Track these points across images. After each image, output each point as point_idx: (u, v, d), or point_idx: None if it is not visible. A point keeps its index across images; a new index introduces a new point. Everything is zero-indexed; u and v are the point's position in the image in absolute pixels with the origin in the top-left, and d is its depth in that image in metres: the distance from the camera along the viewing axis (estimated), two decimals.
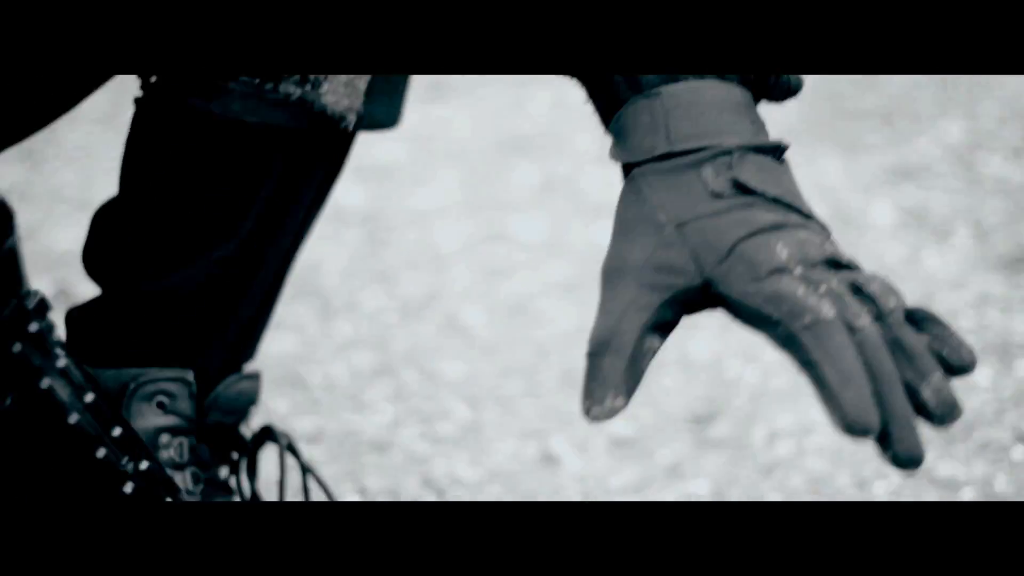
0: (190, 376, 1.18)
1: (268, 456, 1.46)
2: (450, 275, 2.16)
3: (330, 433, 1.75)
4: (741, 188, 0.89)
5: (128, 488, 0.78)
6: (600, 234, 2.11)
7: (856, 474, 1.62)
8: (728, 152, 0.90)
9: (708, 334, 2.06)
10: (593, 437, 1.74)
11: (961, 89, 2.69)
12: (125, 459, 0.78)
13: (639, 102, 0.92)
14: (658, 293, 0.89)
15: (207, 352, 1.20)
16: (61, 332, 0.78)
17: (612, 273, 0.91)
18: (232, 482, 1.23)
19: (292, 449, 1.25)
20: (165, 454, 1.17)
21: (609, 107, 0.95)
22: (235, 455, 1.23)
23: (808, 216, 0.90)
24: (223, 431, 1.22)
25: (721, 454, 1.70)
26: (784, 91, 0.95)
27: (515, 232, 2.27)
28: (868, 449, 1.69)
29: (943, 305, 2.00)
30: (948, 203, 2.27)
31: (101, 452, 0.77)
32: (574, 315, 2.00)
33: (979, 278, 2.06)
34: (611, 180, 0.97)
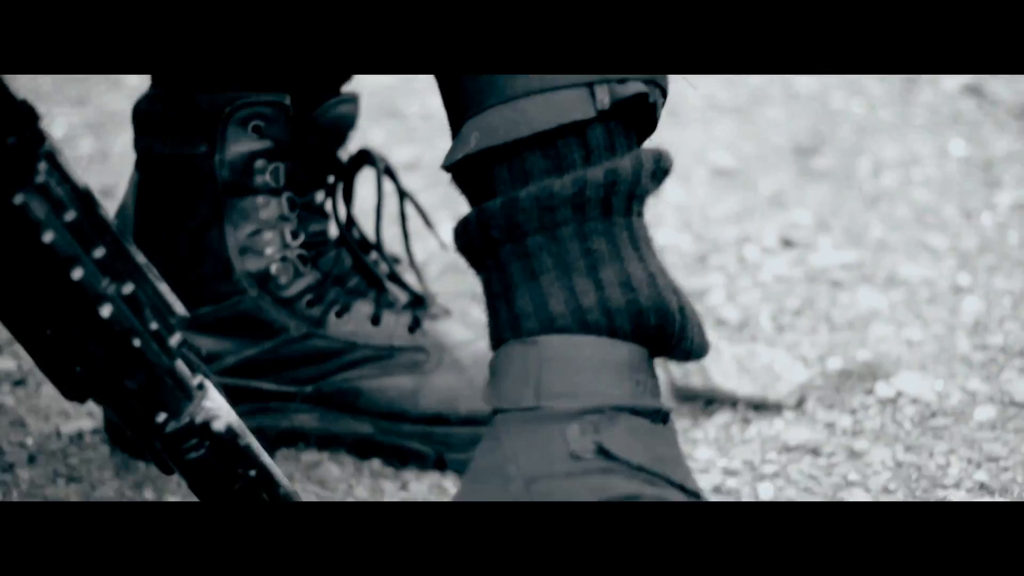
0: (286, 100, 1.16)
1: (365, 183, 1.45)
2: None
3: (427, 162, 1.73)
4: (604, 453, 0.81)
5: (106, 312, 0.75)
6: None
7: (962, 204, 1.59)
8: (599, 411, 0.82)
9: None
10: (695, 167, 1.72)
11: None
12: (105, 281, 0.75)
13: (515, 347, 0.84)
14: None
15: (302, 74, 1.18)
16: (51, 145, 0.75)
17: None
18: (328, 206, 1.22)
19: (390, 173, 1.24)
20: (260, 179, 1.16)
21: (494, 338, 0.87)
22: (331, 179, 1.22)
23: (678, 487, 0.82)
24: (320, 155, 1.21)
25: (825, 184, 1.67)
26: (686, 353, 0.87)
27: None
28: (975, 180, 1.65)
29: None
30: None
31: (77, 273, 0.74)
32: None
33: None
34: None
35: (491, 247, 0.86)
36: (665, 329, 0.85)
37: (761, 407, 1.18)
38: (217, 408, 0.80)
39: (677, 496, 0.81)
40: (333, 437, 1.17)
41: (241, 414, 0.94)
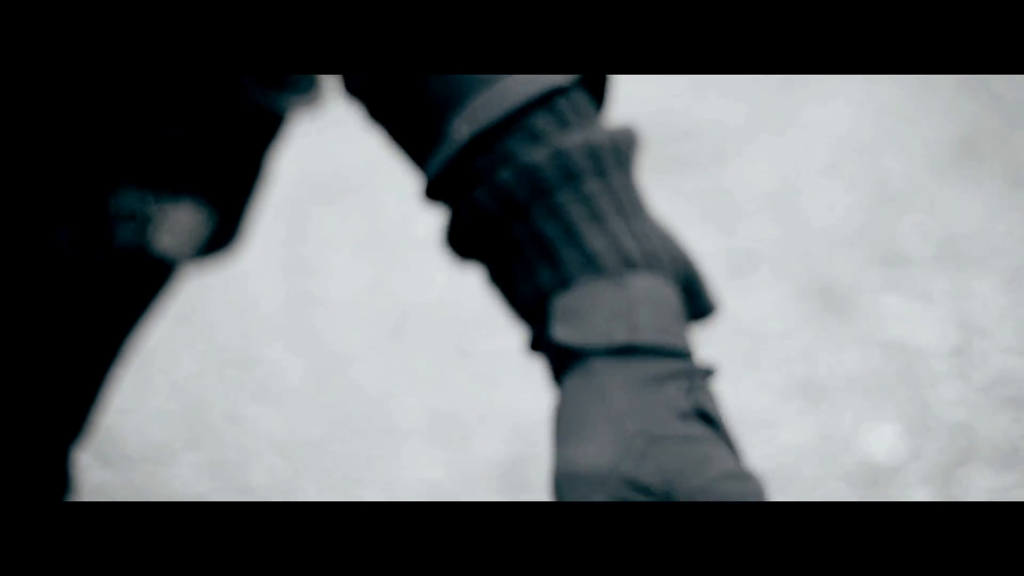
0: None
1: None
2: None
3: None
4: (703, 416, 0.82)
5: None
6: None
7: None
8: (688, 374, 0.83)
9: None
10: None
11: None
12: None
13: (600, 283, 0.84)
14: None
15: None
16: None
17: (576, 480, 0.81)
18: None
19: None
20: None
21: (551, 282, 0.86)
22: None
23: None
24: None
25: None
26: (702, 311, 0.90)
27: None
28: None
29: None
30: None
31: None
32: None
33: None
34: None
35: (517, 211, 0.85)
36: (697, 280, 0.87)
37: None
38: None
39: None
40: None
41: None
